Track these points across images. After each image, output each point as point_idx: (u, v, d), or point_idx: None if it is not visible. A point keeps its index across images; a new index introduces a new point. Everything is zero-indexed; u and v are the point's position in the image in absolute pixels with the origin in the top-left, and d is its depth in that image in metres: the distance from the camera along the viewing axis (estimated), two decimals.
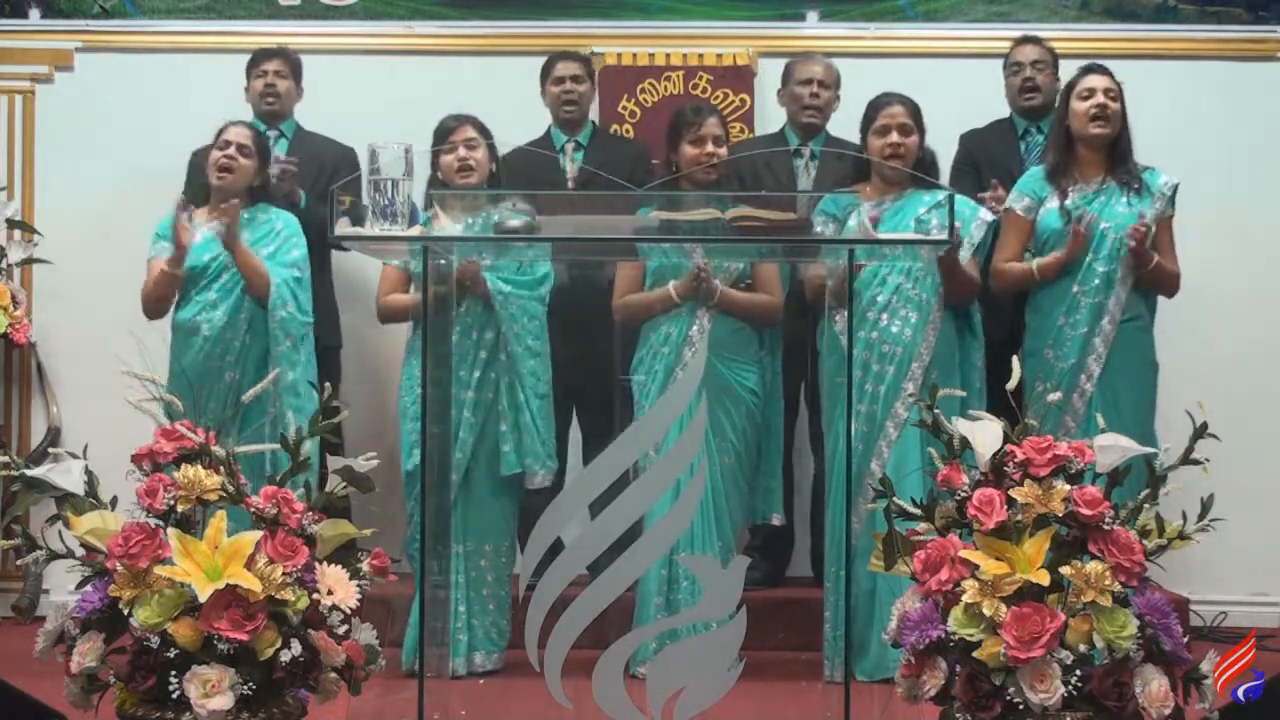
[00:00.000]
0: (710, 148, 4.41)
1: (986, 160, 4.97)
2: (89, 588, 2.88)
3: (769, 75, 5.46)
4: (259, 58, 5.18)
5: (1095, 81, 4.47)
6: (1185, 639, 2.88)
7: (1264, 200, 5.48)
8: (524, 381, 4.35)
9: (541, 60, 5.27)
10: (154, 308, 4.64)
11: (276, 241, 4.63)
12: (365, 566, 3.00)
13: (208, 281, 4.58)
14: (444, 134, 4.48)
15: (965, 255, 4.39)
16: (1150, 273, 4.44)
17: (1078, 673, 2.75)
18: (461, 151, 4.41)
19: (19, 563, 3.04)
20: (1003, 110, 5.15)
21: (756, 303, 4.38)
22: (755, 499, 4.45)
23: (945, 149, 4.57)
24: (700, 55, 5.60)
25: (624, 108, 5.56)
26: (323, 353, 5.03)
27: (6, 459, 3.02)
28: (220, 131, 4.63)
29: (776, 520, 4.51)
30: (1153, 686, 2.77)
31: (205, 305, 4.57)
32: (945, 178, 4.46)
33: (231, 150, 4.59)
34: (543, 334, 4.40)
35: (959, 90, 5.29)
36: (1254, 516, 4.93)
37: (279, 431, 4.20)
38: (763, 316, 4.40)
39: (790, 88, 5.13)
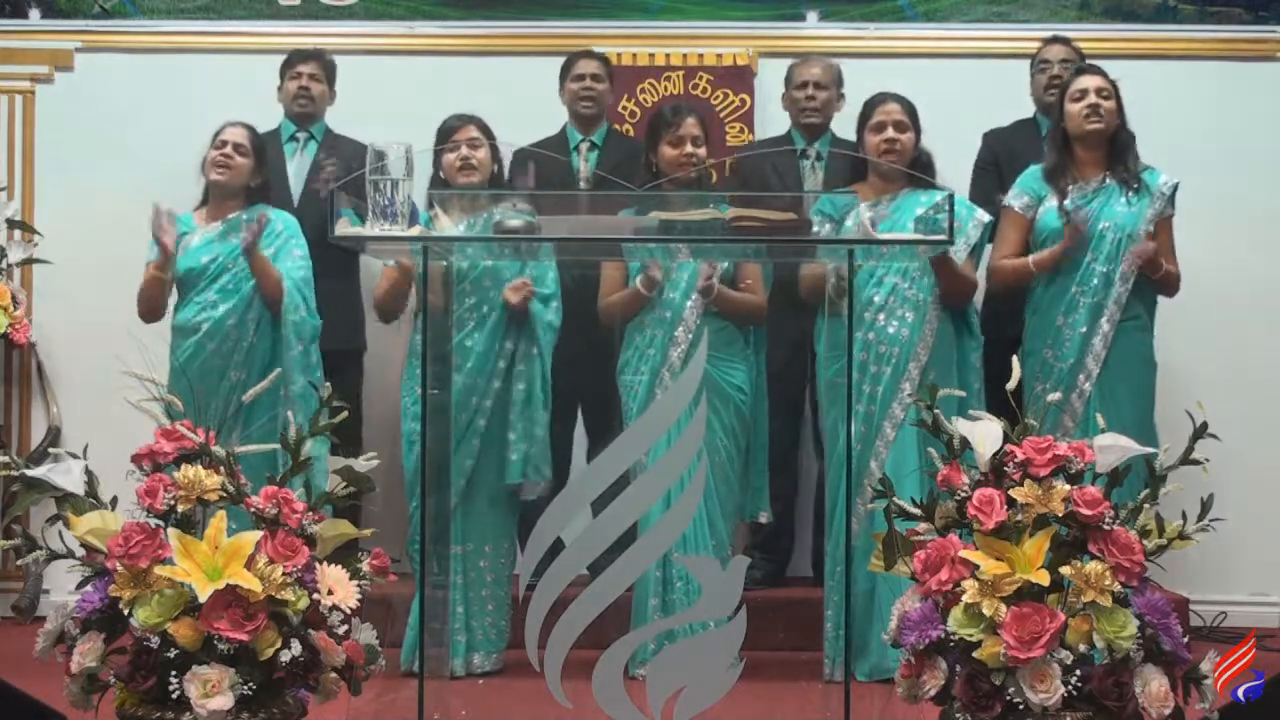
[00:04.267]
0: (689, 148, 4.39)
1: (1008, 158, 4.97)
2: (89, 588, 2.87)
3: (769, 75, 5.46)
4: (294, 59, 5.16)
5: (1087, 82, 4.48)
6: (1185, 639, 2.88)
7: (1264, 200, 5.48)
8: (547, 393, 4.38)
9: (541, 60, 5.28)
10: (145, 310, 4.63)
11: (278, 242, 4.62)
12: (365, 566, 3.00)
13: (207, 283, 4.58)
14: (447, 133, 4.48)
15: (962, 256, 4.39)
16: (1161, 277, 4.45)
17: (1078, 673, 2.75)
18: (464, 150, 4.41)
19: (19, 563, 3.04)
20: (1002, 109, 5.16)
21: (744, 302, 4.38)
22: (743, 497, 4.45)
23: (944, 149, 4.56)
24: (700, 55, 5.60)
25: (624, 108, 5.55)
26: (347, 356, 5.05)
27: (6, 459, 3.02)
28: (218, 132, 4.64)
29: (763, 518, 4.50)
30: (1153, 686, 2.77)
31: (205, 305, 4.57)
32: (942, 177, 4.45)
33: (228, 149, 4.60)
34: (552, 349, 4.42)
35: (959, 90, 5.29)
36: (1254, 516, 4.93)
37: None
38: (749, 316, 4.39)
39: (790, 92, 5.15)
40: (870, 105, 4.47)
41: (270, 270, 4.54)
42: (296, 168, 5.13)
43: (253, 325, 4.57)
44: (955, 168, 4.70)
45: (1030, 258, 4.49)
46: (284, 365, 4.46)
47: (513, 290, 4.31)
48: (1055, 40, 5.12)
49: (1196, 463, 2.99)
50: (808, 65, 5.14)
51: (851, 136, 4.97)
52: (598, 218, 3.52)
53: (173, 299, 4.65)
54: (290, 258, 4.61)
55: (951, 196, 3.41)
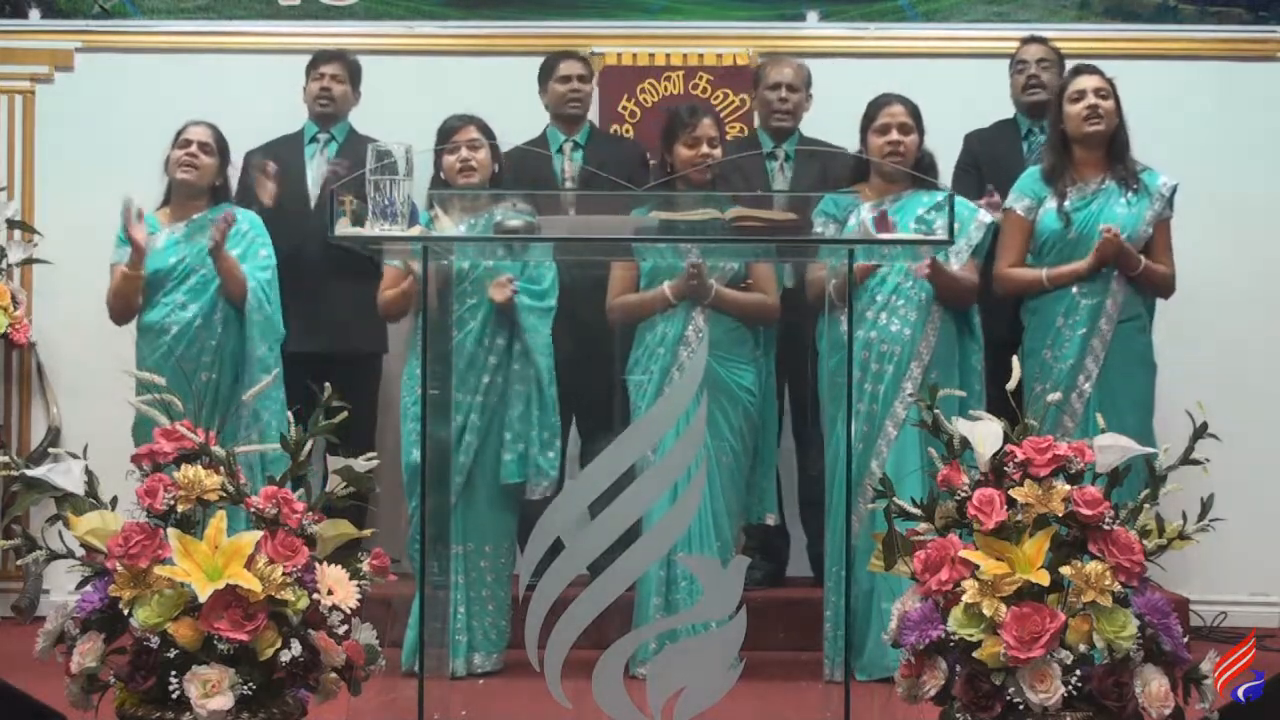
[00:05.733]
0: (705, 149, 4.39)
1: (989, 160, 4.97)
2: (89, 588, 2.87)
3: None
4: (317, 59, 5.14)
5: (1085, 82, 4.47)
6: (1185, 639, 2.88)
7: (1264, 200, 5.48)
8: (544, 391, 4.36)
9: (541, 60, 5.27)
10: (118, 312, 4.63)
11: (244, 243, 4.61)
12: (365, 566, 3.00)
13: (175, 283, 4.57)
14: (448, 133, 4.48)
15: (964, 258, 4.39)
16: (1139, 275, 4.44)
17: (1078, 673, 2.75)
18: (464, 152, 4.41)
19: (19, 563, 3.04)
20: (1002, 109, 5.15)
21: (752, 302, 4.37)
22: (750, 498, 4.45)
23: (944, 149, 4.56)
24: (700, 55, 5.60)
25: (624, 108, 5.56)
26: (368, 357, 5.05)
27: (6, 459, 3.01)
28: (180, 131, 4.63)
29: (770, 520, 4.50)
30: (1153, 686, 2.77)
31: (174, 306, 4.56)
32: (944, 178, 4.45)
33: (193, 149, 4.58)
34: (550, 344, 4.40)
35: (958, 90, 5.29)
36: (1254, 516, 4.93)
37: (254, 434, 4.24)
38: (758, 316, 4.39)
39: (761, 93, 5.11)
40: (874, 106, 4.46)
41: (236, 271, 4.53)
42: (316, 169, 5.10)
43: (220, 325, 4.56)
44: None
45: (1044, 272, 4.47)
46: (250, 366, 4.47)
47: (496, 287, 4.29)
48: (1032, 40, 5.11)
49: (1196, 463, 2.99)
50: (779, 66, 5.09)
51: (819, 135, 4.99)
52: (599, 217, 3.52)
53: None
54: (255, 258, 4.60)
55: (952, 197, 3.41)
